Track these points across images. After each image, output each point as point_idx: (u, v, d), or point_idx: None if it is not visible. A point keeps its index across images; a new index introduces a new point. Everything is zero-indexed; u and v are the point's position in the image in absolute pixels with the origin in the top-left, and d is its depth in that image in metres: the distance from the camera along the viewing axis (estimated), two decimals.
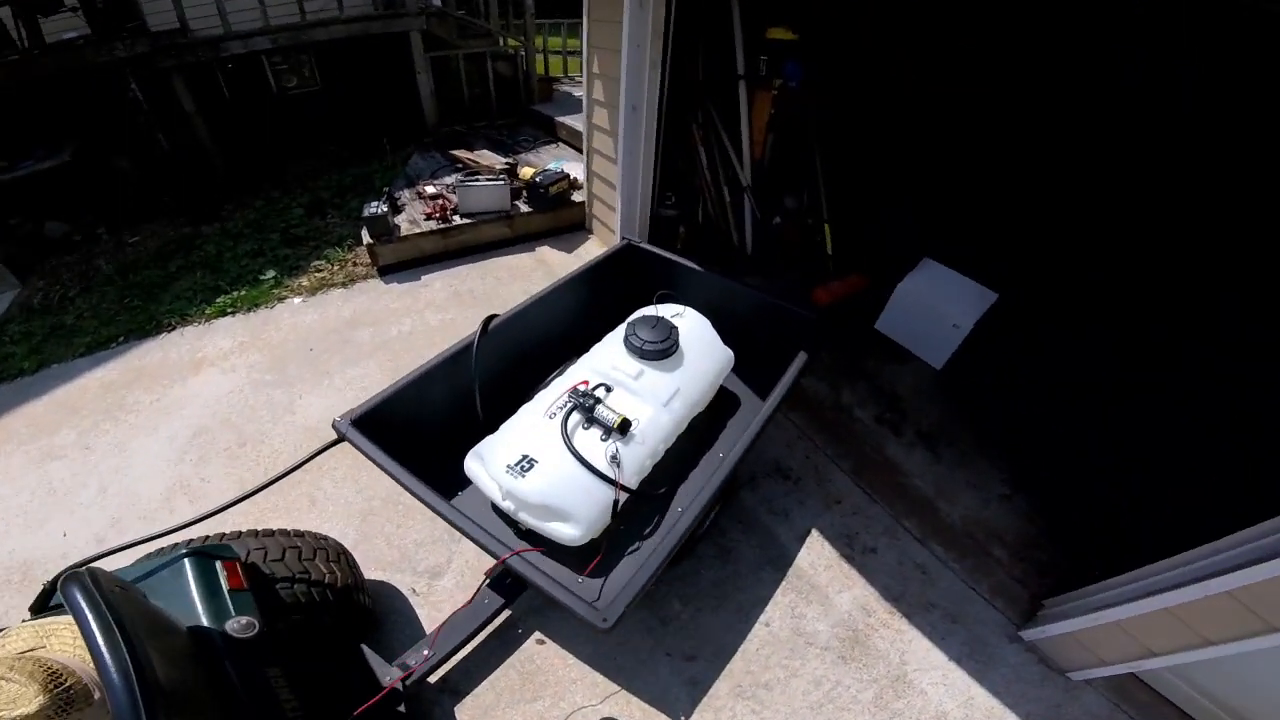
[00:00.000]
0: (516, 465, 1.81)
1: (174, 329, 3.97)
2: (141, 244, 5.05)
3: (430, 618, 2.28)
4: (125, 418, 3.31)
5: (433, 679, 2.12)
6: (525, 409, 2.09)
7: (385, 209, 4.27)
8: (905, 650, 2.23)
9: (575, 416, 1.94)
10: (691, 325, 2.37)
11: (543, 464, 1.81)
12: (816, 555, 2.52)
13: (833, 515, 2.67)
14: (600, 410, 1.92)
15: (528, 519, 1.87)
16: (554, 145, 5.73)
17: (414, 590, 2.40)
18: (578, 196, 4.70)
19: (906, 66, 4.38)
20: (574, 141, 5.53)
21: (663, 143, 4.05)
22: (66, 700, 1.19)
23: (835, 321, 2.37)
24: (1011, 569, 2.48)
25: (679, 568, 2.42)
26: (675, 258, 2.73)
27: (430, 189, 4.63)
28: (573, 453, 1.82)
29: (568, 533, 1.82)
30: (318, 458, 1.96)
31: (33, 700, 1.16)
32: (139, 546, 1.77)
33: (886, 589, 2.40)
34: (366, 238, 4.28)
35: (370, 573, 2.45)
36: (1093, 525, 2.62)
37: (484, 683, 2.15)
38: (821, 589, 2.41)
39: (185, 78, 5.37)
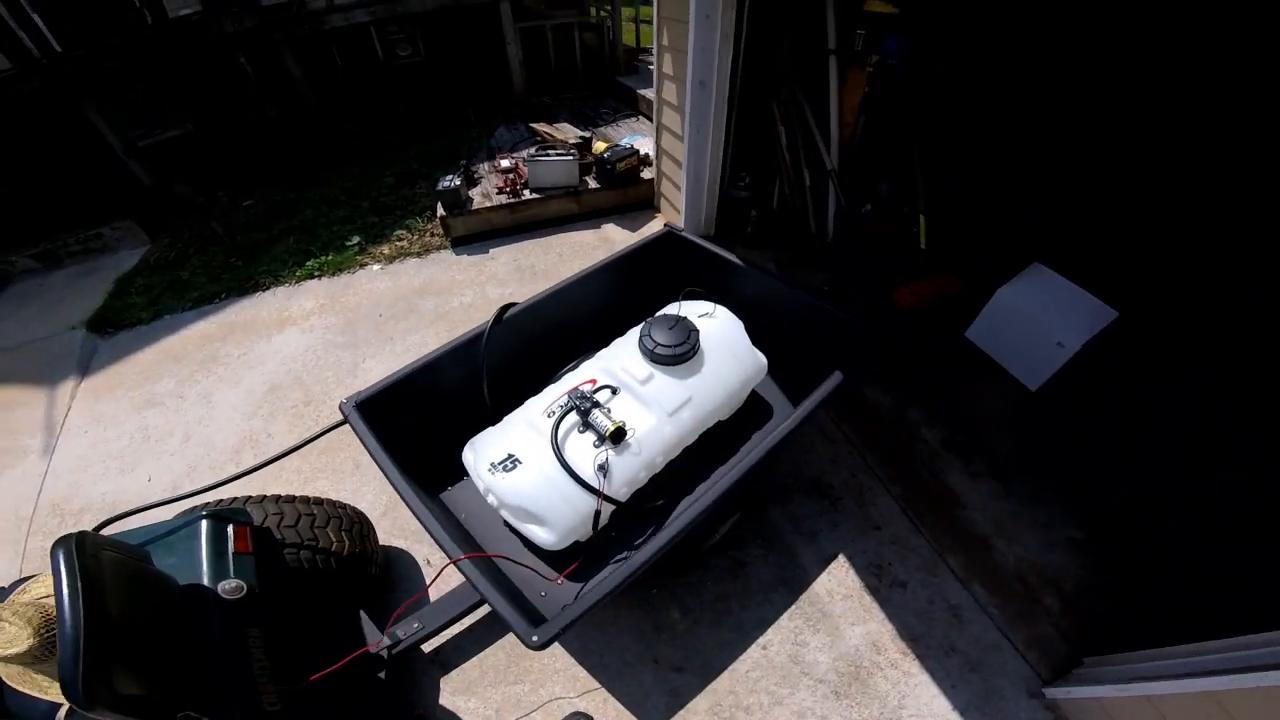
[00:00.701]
0: (501, 463, 1.78)
1: (267, 288, 4.37)
2: (252, 207, 5.60)
3: (437, 590, 2.35)
4: (215, 369, 3.71)
5: (427, 648, 2.19)
6: (529, 403, 2.04)
7: (459, 182, 4.37)
8: (907, 694, 2.01)
9: (572, 418, 1.86)
10: (720, 327, 2.19)
11: (526, 465, 1.76)
12: (837, 583, 2.30)
13: (867, 542, 2.42)
14: (596, 415, 1.82)
15: (508, 517, 1.83)
16: (634, 119, 5.57)
17: (428, 561, 2.50)
18: (648, 174, 4.53)
19: (1032, 49, 3.69)
20: (653, 115, 5.34)
21: (736, 121, 3.79)
22: (53, 645, 1.34)
23: (917, 326, 2.05)
24: (1060, 619, 2.15)
25: (686, 576, 2.31)
26: (716, 249, 2.52)
27: (505, 162, 4.67)
28: (558, 457, 1.75)
29: (543, 537, 1.77)
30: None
31: (24, 642, 1.33)
32: (177, 503, 1.96)
33: (906, 628, 2.16)
34: (440, 210, 4.41)
35: (393, 540, 2.57)
36: (1173, 586, 2.19)
37: (473, 659, 2.20)
38: (833, 619, 2.21)
39: (294, 49, 5.78)
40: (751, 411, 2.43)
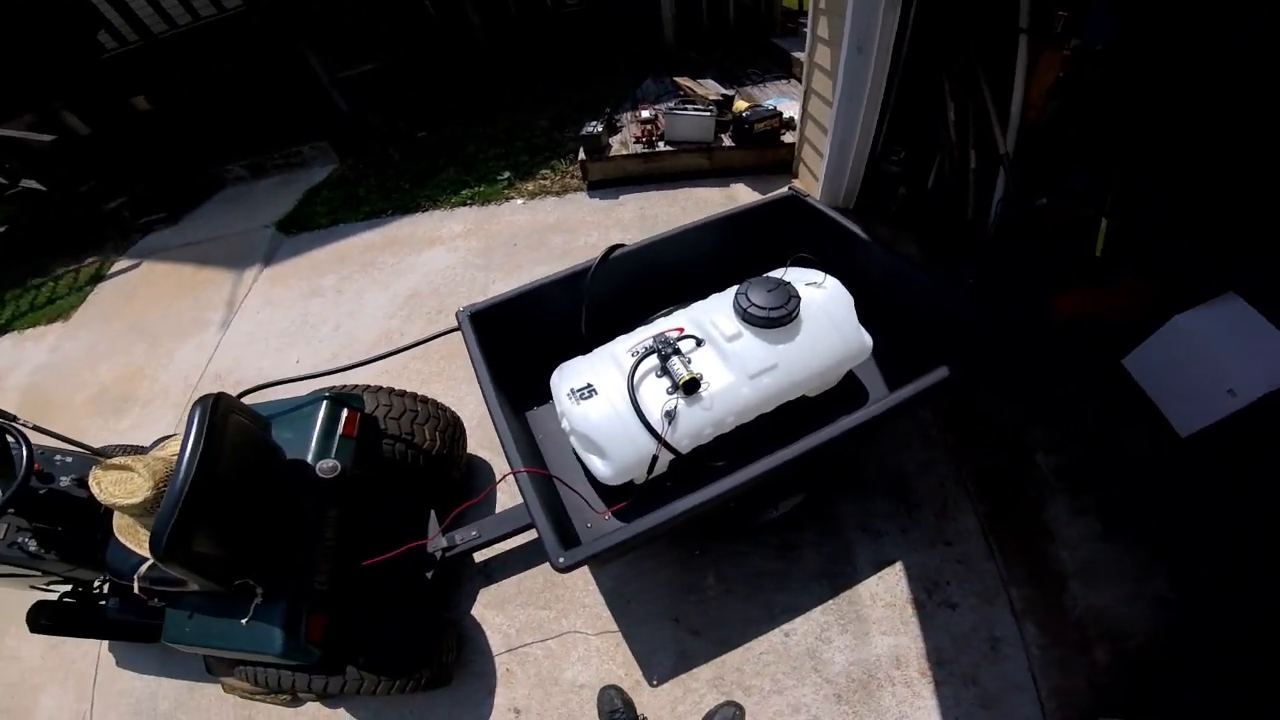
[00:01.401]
0: (579, 391, 1.87)
1: (426, 210, 4.88)
2: (425, 139, 6.19)
3: (502, 505, 2.56)
4: (371, 273, 4.26)
5: (477, 558, 2.39)
6: (618, 340, 2.10)
7: (601, 129, 4.49)
8: (907, 715, 1.93)
9: (652, 361, 1.89)
10: (826, 298, 2.07)
11: (600, 396, 1.84)
12: (885, 589, 2.19)
13: (931, 555, 2.26)
14: (674, 362, 1.84)
15: (574, 444, 1.93)
16: (784, 81, 5.26)
17: (504, 477, 2.71)
18: (788, 137, 4.31)
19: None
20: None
21: (896, 92, 3.46)
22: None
23: (1069, 340, 1.77)
24: (1102, 674, 1.92)
25: (733, 545, 2.30)
26: (840, 219, 2.36)
27: (646, 113, 4.69)
28: (630, 394, 1.80)
29: (600, 468, 1.85)
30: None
31: (144, 493, 1.45)
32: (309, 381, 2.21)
33: (937, 649, 2.02)
34: (581, 154, 4.57)
35: (480, 451, 2.81)
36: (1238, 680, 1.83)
37: (513, 578, 2.39)
38: (866, 623, 2.12)
39: None
40: (845, 394, 2.30)
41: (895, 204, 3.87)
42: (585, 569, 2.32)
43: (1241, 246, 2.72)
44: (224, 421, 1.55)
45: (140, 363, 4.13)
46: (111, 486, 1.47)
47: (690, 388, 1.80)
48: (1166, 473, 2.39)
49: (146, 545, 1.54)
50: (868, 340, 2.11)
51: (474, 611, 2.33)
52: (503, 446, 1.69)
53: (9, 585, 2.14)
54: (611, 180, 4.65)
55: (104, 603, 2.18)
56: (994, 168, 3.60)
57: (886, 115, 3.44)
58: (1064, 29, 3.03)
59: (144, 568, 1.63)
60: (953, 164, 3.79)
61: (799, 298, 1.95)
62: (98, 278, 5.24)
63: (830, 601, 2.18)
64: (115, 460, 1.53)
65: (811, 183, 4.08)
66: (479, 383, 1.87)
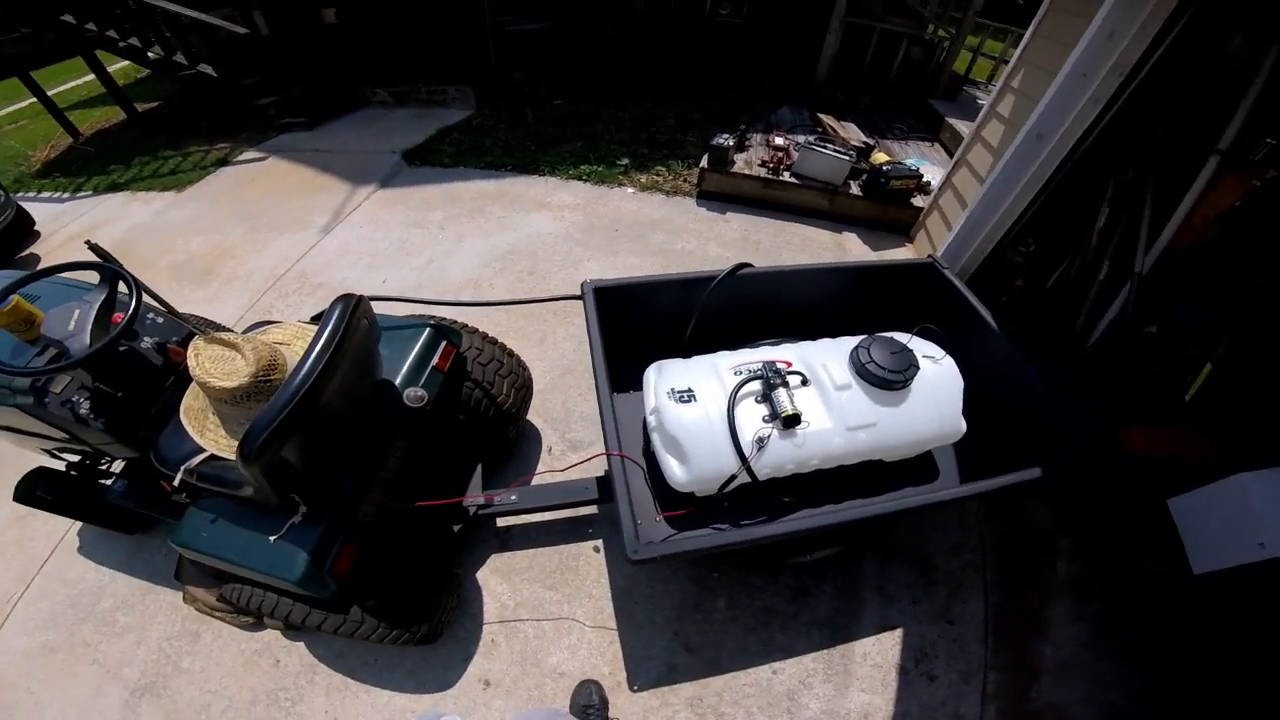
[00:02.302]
0: (680, 392, 1.89)
1: (543, 175, 5.03)
2: (560, 107, 6.37)
3: (542, 477, 2.59)
4: (477, 220, 4.41)
5: (502, 523, 2.41)
6: (720, 354, 2.11)
7: (731, 143, 4.52)
8: None
9: (755, 386, 1.90)
10: (940, 376, 2.04)
11: (698, 404, 1.85)
12: (876, 649, 2.20)
13: (932, 629, 2.26)
14: (779, 394, 1.84)
15: (656, 441, 1.95)
16: (928, 144, 5.19)
17: (550, 449, 2.76)
18: (919, 201, 4.24)
19: None
20: (952, 147, 4.93)
21: (1055, 186, 3.36)
22: (264, 387, 1.37)
23: (1127, 474, 1.74)
24: None
25: (751, 577, 2.32)
26: (977, 303, 2.33)
27: (779, 140, 4.70)
28: (729, 410, 1.81)
29: (676, 472, 1.86)
30: (556, 304, 2.30)
31: (244, 376, 1.33)
32: (409, 305, 2.28)
33: (904, 714, 2.05)
34: (704, 162, 4.61)
35: (534, 417, 2.85)
36: None
37: (528, 551, 2.40)
38: (850, 677, 2.13)
39: None
40: (916, 466, 2.28)
41: (1007, 294, 3.75)
42: (603, 561, 2.37)
43: None
44: (356, 325, 1.44)
45: (234, 243, 4.35)
46: (210, 363, 1.34)
47: (790, 422, 1.80)
48: (1169, 599, 2.40)
49: (210, 434, 1.49)
50: (963, 427, 2.08)
51: (479, 575, 2.31)
52: (602, 424, 1.72)
53: (18, 443, 1.97)
54: (724, 195, 4.68)
55: (107, 483, 2.04)
56: (1120, 284, 3.46)
57: (1035, 206, 3.34)
58: (1264, 158, 2.92)
59: (197, 459, 1.49)
60: (1082, 269, 3.65)
61: (917, 368, 1.93)
62: (223, 162, 5.61)
63: (824, 651, 2.19)
64: (221, 336, 1.40)
65: (929, 251, 4.00)
66: (592, 359, 1.91)
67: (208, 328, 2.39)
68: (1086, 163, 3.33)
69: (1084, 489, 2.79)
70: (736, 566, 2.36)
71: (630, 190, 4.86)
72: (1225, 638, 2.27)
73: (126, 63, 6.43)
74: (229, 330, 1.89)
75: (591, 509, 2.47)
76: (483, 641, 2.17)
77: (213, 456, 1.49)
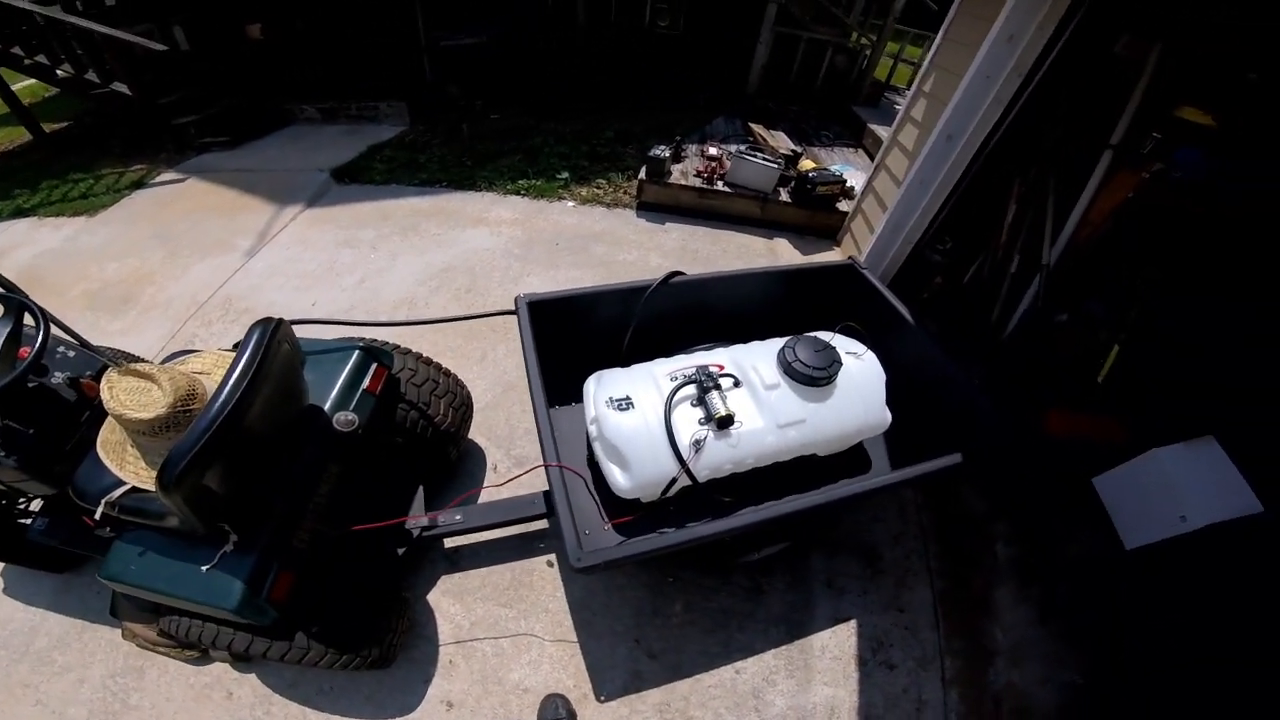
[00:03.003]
0: (618, 401, 1.92)
1: (480, 190, 4.99)
2: (498, 122, 6.35)
3: (488, 495, 2.56)
4: (411, 237, 4.33)
5: (449, 543, 2.38)
6: (658, 361, 2.16)
7: (667, 154, 4.62)
8: None
9: (690, 390, 1.95)
10: (863, 370, 2.15)
11: (636, 411, 1.89)
12: (834, 642, 2.27)
13: (884, 618, 2.36)
14: (713, 396, 1.90)
15: (598, 450, 1.98)
16: (852, 150, 5.45)
17: (495, 467, 2.74)
18: (844, 206, 4.44)
19: None
20: (874, 152, 5.19)
21: (965, 186, 3.59)
22: (184, 418, 1.36)
23: (1051, 457, 1.87)
24: None
25: (705, 579, 2.37)
26: (895, 300, 2.46)
27: (713, 150, 4.84)
28: (666, 415, 1.86)
29: (619, 479, 1.89)
30: (496, 321, 2.28)
31: (160, 407, 1.31)
32: (341, 327, 2.20)
33: (869, 705, 2.11)
34: (642, 174, 4.69)
35: (477, 435, 2.82)
36: None
37: (480, 570, 2.37)
38: (811, 672, 2.19)
39: None
40: (849, 460, 2.41)
41: (928, 291, 3.97)
42: (557, 575, 2.37)
43: (1235, 399, 2.87)
44: (277, 349, 1.45)
45: (152, 269, 4.10)
46: (125, 395, 1.32)
47: (724, 423, 1.85)
48: (1105, 576, 2.56)
49: (130, 466, 1.46)
50: (888, 418, 2.19)
51: (430, 597, 2.29)
52: (540, 438, 1.73)
53: None
54: (663, 206, 4.77)
55: (26, 521, 1.94)
56: (1031, 276, 3.73)
57: (948, 206, 3.56)
58: (1151, 151, 3.19)
59: (118, 492, 1.46)
60: (994, 265, 3.91)
61: (840, 364, 2.02)
62: (139, 184, 5.29)
63: (783, 647, 2.24)
64: (135, 367, 1.37)
65: (853, 253, 4.20)
66: (527, 373, 1.91)
67: (123, 360, 2.28)
68: (994, 162, 3.55)
69: (1011, 473, 2.95)
70: (690, 569, 2.40)
71: (571, 203, 4.88)
72: (1149, 613, 2.41)
73: (33, 80, 5.99)
74: (145, 361, 1.83)
75: (542, 523, 2.46)
76: (440, 663, 2.13)
77: (134, 489, 1.46)
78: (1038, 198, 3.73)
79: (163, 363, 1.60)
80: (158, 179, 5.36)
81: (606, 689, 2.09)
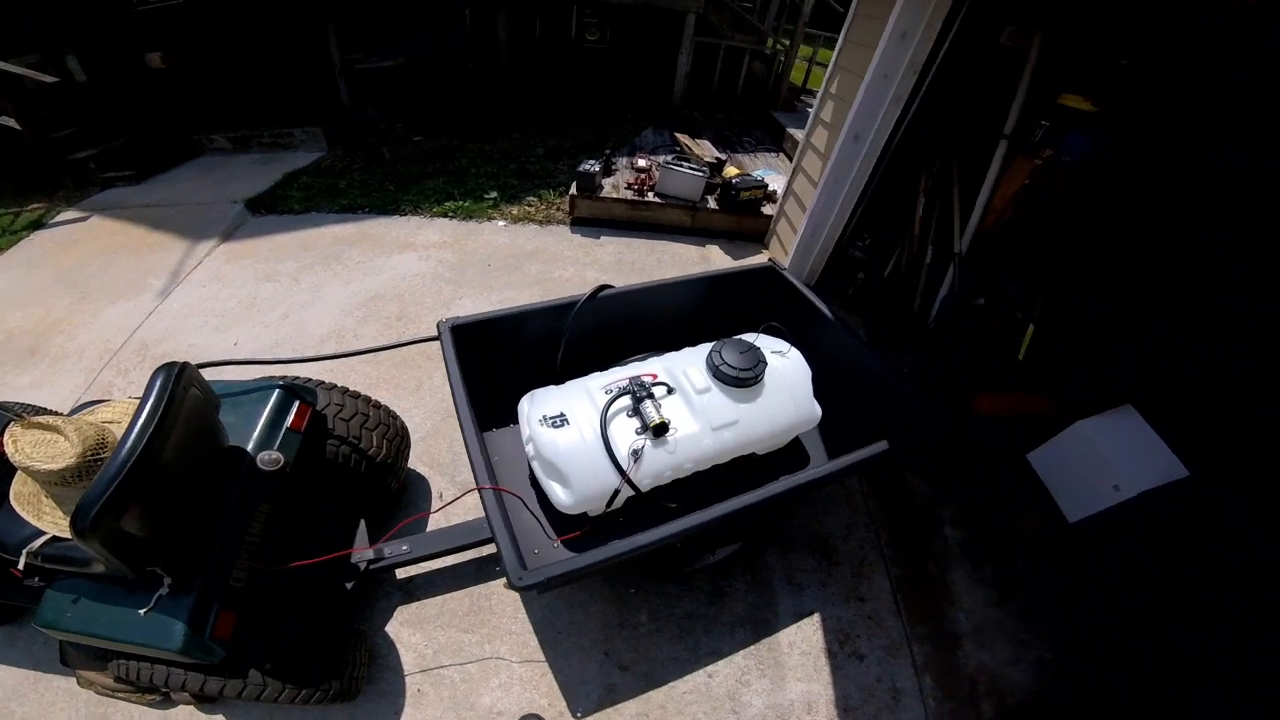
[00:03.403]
0: (551, 419, 1.93)
1: (405, 214, 4.89)
2: (421, 144, 6.23)
3: (435, 522, 2.51)
4: (335, 267, 4.19)
5: (401, 574, 2.34)
6: (592, 376, 2.18)
7: (598, 168, 4.67)
8: None
9: (625, 401, 1.98)
10: (788, 367, 2.23)
11: (571, 427, 1.90)
12: (801, 638, 2.32)
13: (846, 609, 2.43)
14: (647, 405, 1.93)
15: (537, 469, 1.98)
16: (774, 154, 5.67)
17: (440, 495, 2.68)
18: (768, 209, 4.61)
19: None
20: (794, 155, 5.42)
21: (877, 183, 3.79)
22: (94, 467, 1.37)
23: (983, 433, 1.99)
24: None
25: (666, 586, 2.38)
26: (812, 297, 2.56)
27: (642, 162, 4.92)
28: (601, 429, 1.88)
29: (561, 497, 1.90)
30: (430, 348, 2.21)
31: (69, 459, 1.33)
32: (263, 366, 2.13)
33: (845, 697, 2.17)
34: (574, 189, 4.72)
35: (419, 465, 2.77)
36: None
37: (436, 598, 2.33)
38: (783, 669, 2.23)
39: (509, 13, 6.38)
40: (789, 456, 2.48)
41: (853, 287, 4.17)
42: (517, 597, 2.34)
43: (1145, 365, 3.13)
44: (183, 394, 1.46)
45: (60, 316, 3.83)
46: (30, 448, 1.33)
47: (659, 431, 1.89)
48: (1054, 552, 2.72)
49: (48, 516, 1.47)
50: (818, 411, 2.29)
51: (389, 628, 2.25)
52: (470, 462, 1.71)
53: None
54: (596, 220, 4.81)
55: None
56: (946, 266, 3.98)
57: (863, 203, 3.74)
58: (1042, 138, 3.44)
59: (38, 542, 1.48)
60: (910, 257, 4.15)
61: (766, 363, 2.10)
62: (37, 225, 4.90)
63: (752, 647, 2.27)
64: (39, 419, 1.39)
65: (780, 255, 4.35)
66: (453, 397, 1.89)
67: (29, 413, 2.20)
68: (900, 158, 3.76)
69: (946, 456, 3.09)
70: (650, 579, 2.42)
71: (501, 223, 4.85)
72: (1092, 584, 2.56)
73: None
74: (53, 413, 1.79)
75: (493, 547, 2.41)
76: (409, 693, 2.09)
77: (55, 538, 1.47)
78: (944, 189, 3.98)
79: (70, 413, 1.61)
80: (57, 218, 4.99)
81: (581, 705, 2.08)
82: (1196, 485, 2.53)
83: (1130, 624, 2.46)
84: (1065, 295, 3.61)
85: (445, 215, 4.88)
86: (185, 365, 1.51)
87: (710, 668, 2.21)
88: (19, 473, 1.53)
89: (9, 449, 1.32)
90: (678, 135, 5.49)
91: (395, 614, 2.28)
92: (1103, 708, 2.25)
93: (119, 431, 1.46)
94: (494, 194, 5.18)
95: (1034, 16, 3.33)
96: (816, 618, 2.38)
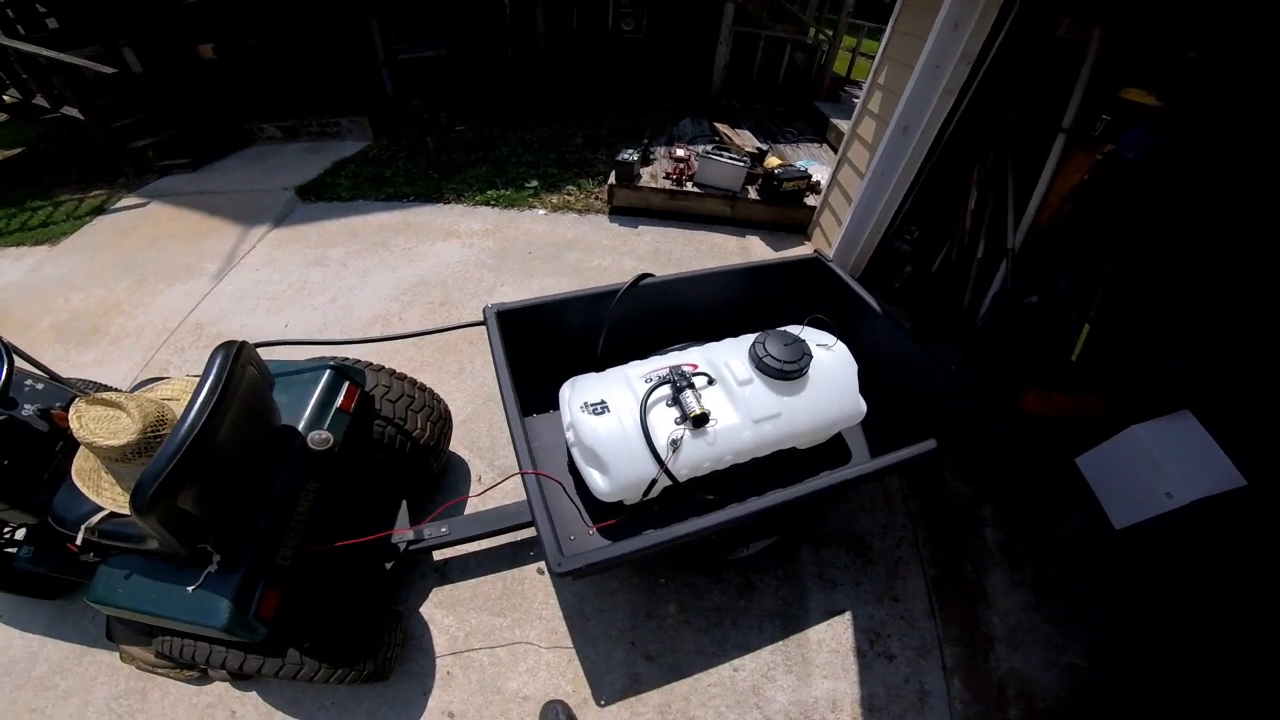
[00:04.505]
0: (593, 405, 1.92)
1: (449, 202, 4.95)
2: (463, 133, 6.31)
3: (473, 505, 2.56)
4: (381, 253, 4.29)
5: (438, 555, 2.38)
6: (632, 364, 2.17)
7: (636, 158, 4.64)
8: None
9: (665, 390, 1.96)
10: (834, 361, 2.18)
11: (612, 414, 1.89)
12: (830, 635, 2.28)
13: (878, 609, 2.37)
14: (687, 395, 1.91)
15: (577, 455, 1.98)
16: (817, 145, 5.53)
17: (479, 479, 2.72)
18: (811, 200, 4.50)
19: None
20: (838, 146, 5.28)
21: (926, 175, 3.66)
22: (153, 444, 1.39)
23: (1032, 435, 1.90)
24: None
25: (696, 578, 2.37)
26: (860, 290, 2.49)
27: (681, 151, 4.87)
28: (641, 417, 1.86)
29: (599, 483, 1.90)
30: (472, 333, 2.24)
31: (130, 435, 1.35)
32: (313, 347, 2.22)
33: (871, 696, 2.12)
34: (612, 178, 4.71)
35: (459, 448, 2.82)
36: None
37: (470, 580, 2.37)
38: (810, 666, 2.19)
39: (546, 4, 6.39)
40: (830, 451, 2.42)
41: (899, 280, 4.04)
42: (548, 583, 2.36)
43: (1205, 369, 2.95)
44: (241, 372, 1.48)
45: (120, 298, 4.03)
46: (94, 424, 1.35)
47: (699, 422, 1.87)
48: (1096, 557, 2.61)
49: (107, 492, 1.49)
50: (863, 407, 2.22)
51: (423, 609, 2.29)
52: (514, 446, 1.72)
53: None
54: (634, 209, 4.79)
55: (12, 550, 1.99)
56: (998, 261, 3.82)
57: (911, 195, 3.62)
58: (1103, 133, 3.28)
59: (96, 518, 1.50)
60: (961, 251, 4.00)
61: (811, 356, 2.05)
62: (99, 210, 5.16)
63: (780, 642, 2.25)
64: (103, 395, 1.42)
65: (824, 247, 4.26)
66: (498, 381, 1.91)
67: (93, 390, 2.30)
68: (951, 150, 3.63)
69: (990, 456, 2.98)
70: (680, 569, 2.41)
71: (541, 211, 4.88)
72: (1143, 593, 2.43)
73: None
74: (115, 390, 1.85)
75: (530, 531, 2.45)
76: (439, 674, 2.13)
77: (112, 514, 1.48)
78: (997, 183, 3.82)
79: (132, 390, 1.63)
80: (118, 204, 5.24)
81: (606, 693, 2.09)
82: (1254, 495, 2.39)
83: (1172, 634, 2.35)
84: (1123, 294, 3.43)
85: (487, 204, 4.94)
86: (244, 344, 1.53)
87: (736, 661, 2.19)
88: (81, 449, 1.57)
89: (74, 424, 1.34)
90: (717, 125, 5.41)
91: (430, 595, 2.33)
92: (1133, 717, 2.16)
93: (178, 409, 1.48)
94: (535, 183, 5.21)
95: (1093, 7, 3.17)
96: (848, 616, 2.34)
